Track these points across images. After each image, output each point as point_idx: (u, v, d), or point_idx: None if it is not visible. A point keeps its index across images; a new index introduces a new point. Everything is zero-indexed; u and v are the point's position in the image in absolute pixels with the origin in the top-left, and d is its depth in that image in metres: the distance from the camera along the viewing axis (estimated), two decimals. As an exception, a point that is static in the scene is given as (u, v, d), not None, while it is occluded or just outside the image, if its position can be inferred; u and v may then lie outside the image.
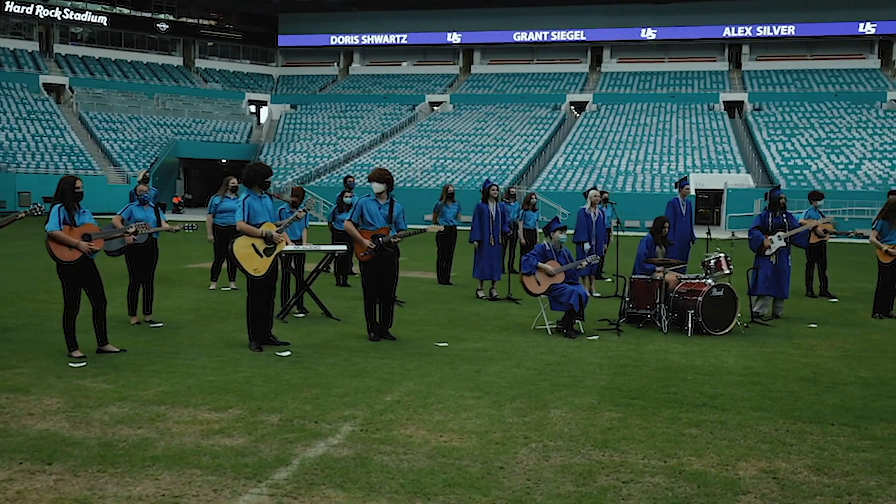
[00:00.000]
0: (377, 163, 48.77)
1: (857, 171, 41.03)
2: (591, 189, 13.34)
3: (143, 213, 9.41)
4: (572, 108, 60.05)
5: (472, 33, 67.04)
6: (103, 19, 67.04)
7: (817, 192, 13.91)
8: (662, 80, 61.46)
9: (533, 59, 67.52)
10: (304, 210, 8.56)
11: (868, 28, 58.59)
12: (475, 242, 12.65)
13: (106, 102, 58.55)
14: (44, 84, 59.12)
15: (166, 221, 9.66)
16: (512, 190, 16.52)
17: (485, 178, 43.21)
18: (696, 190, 40.06)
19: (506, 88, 63.40)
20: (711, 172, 42.32)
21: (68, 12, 65.32)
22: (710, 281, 9.83)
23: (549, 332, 9.52)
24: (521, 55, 67.77)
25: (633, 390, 6.76)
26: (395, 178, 42.83)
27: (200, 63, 70.33)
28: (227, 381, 6.71)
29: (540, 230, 15.11)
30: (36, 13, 63.85)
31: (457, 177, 44.46)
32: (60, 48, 65.40)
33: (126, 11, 68.36)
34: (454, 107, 61.53)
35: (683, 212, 13.83)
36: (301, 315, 10.46)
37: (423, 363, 7.65)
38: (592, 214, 13.30)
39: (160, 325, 9.42)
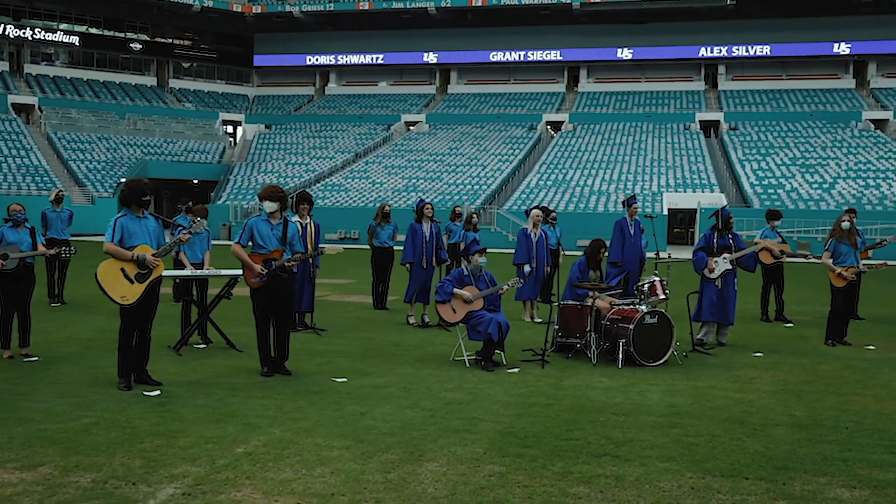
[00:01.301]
0: (348, 183, 48.00)
1: (830, 191, 40.55)
2: (534, 208, 12.54)
3: (16, 236, 8.53)
4: (548, 127, 59.55)
5: (449, 53, 66.56)
6: (75, 39, 66.18)
7: (775, 210, 13.19)
8: (639, 99, 61.09)
9: (510, 79, 67.08)
10: (188, 233, 7.68)
11: (843, 48, 58.46)
12: (407, 264, 11.85)
13: (75, 122, 57.58)
14: (13, 104, 58.11)
15: (43, 244, 8.79)
16: (458, 209, 15.71)
17: (451, 197, 42.49)
18: (669, 209, 39.44)
19: (482, 108, 62.88)
20: (685, 192, 41.72)
21: (40, 32, 64.37)
22: (643, 307, 9.03)
23: (467, 364, 8.68)
24: (497, 75, 67.33)
25: (531, 436, 5.93)
26: (368, 198, 42.48)
27: (175, 83, 69.49)
28: (60, 430, 5.82)
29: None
30: (6, 33, 62.96)
31: (428, 196, 43.67)
32: (31, 68, 64.49)
33: (99, 31, 67.56)
34: (430, 126, 60.90)
35: (632, 232, 13.07)
36: (203, 346, 9.58)
37: (306, 404, 6.79)
38: (534, 235, 12.50)
39: (35, 359, 8.52)
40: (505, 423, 6.31)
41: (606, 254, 10.04)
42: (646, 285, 9.33)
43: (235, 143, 63.08)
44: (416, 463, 5.26)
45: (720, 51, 61.13)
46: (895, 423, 6.58)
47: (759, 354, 9.75)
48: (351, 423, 6.19)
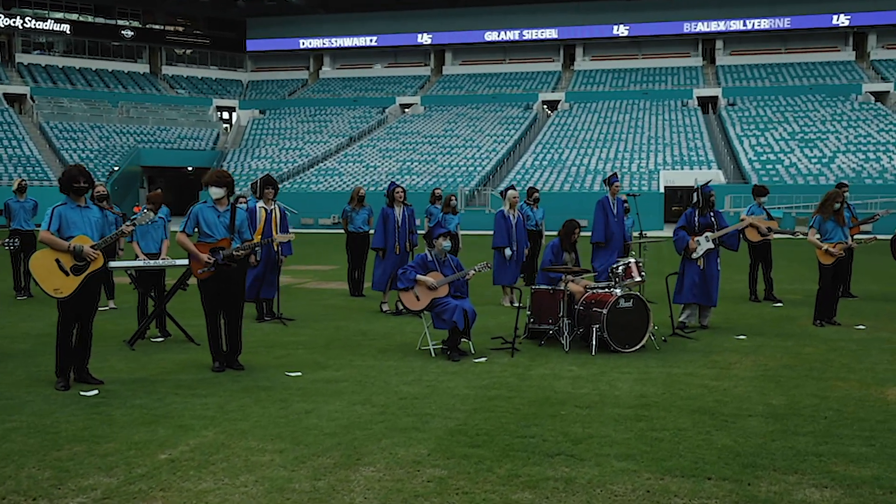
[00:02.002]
0: (342, 167, 47.52)
1: (830, 165, 40.00)
2: (510, 189, 12.08)
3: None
4: (545, 107, 58.94)
5: (443, 34, 65.88)
6: (66, 27, 65.57)
7: (761, 186, 12.72)
8: (636, 76, 60.41)
9: (505, 58, 66.38)
10: (131, 224, 7.24)
11: (842, 20, 57.68)
12: (379, 251, 11.42)
13: (67, 111, 57.09)
14: (4, 94, 57.65)
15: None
16: (438, 192, 15.16)
17: (445, 179, 42.00)
18: (665, 187, 38.93)
19: (477, 89, 62.24)
20: (682, 169, 41.20)
21: (30, 20, 63.76)
22: (617, 291, 8.60)
23: (433, 354, 8.27)
24: (493, 55, 66.64)
25: (483, 434, 5.51)
26: (361, 182, 41.90)
27: (168, 70, 68.91)
28: (-25, 437, 5.42)
29: (462, 234, 13.89)
30: (-4, 22, 62.47)
31: (422, 179, 43.23)
32: (23, 57, 63.92)
33: (90, 19, 66.90)
34: (425, 108, 60.31)
35: (615, 211, 12.62)
36: (160, 339, 9.17)
37: (251, 401, 6.38)
38: (511, 217, 12.05)
39: (-20, 357, 8.12)
40: (458, 419, 5.89)
41: (580, 235, 9.56)
42: (620, 267, 8.88)
43: (230, 130, 62.54)
44: (351, 468, 4.85)
45: (717, 25, 60.37)
46: (877, 410, 6.16)
47: (742, 337, 9.33)
48: (293, 423, 5.78)
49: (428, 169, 45.41)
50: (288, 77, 69.80)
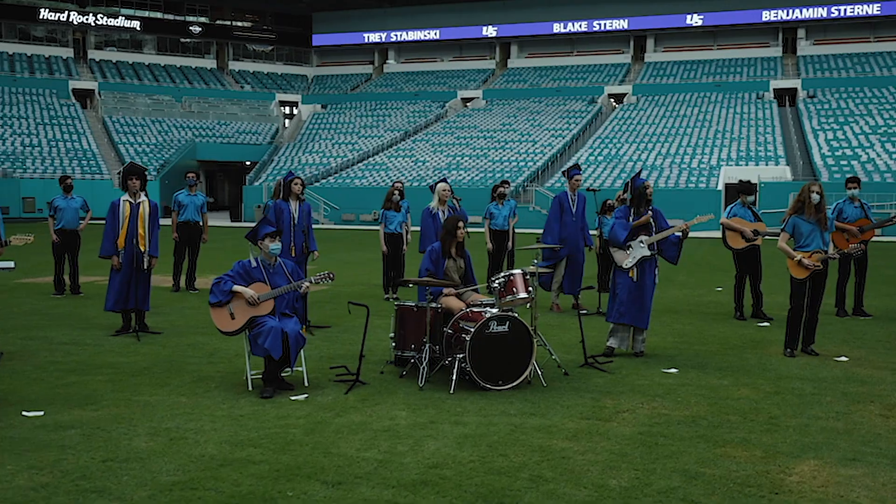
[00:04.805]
0: (391, 162, 46.16)
1: (913, 161, 36.39)
2: (440, 182, 10.23)
3: None
4: (611, 100, 56.30)
5: (509, 26, 63.85)
6: (136, 24, 66.31)
7: (747, 182, 10.59)
8: (709, 68, 57.05)
9: (572, 50, 63.84)
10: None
11: (940, 4, 53.07)
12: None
13: (131, 106, 57.55)
14: (74, 90, 58.49)
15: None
16: (501, 188, 12.99)
17: (492, 175, 40.09)
18: (726, 184, 36.09)
19: (541, 82, 59.95)
20: (747, 165, 38.18)
21: (102, 17, 64.74)
22: (492, 311, 6.73)
23: (250, 387, 6.57)
24: (560, 47, 64.18)
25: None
26: (407, 176, 40.30)
27: (234, 65, 69.01)
28: None
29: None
30: (70, 19, 63.61)
31: (469, 174, 41.46)
32: (95, 54, 64.90)
33: (159, 15, 67.53)
34: (486, 102, 58.44)
35: (574, 209, 10.71)
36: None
37: None
38: (441, 214, 10.25)
39: None
40: (153, 493, 4.20)
41: (466, 234, 7.73)
42: (498, 281, 6.97)
43: (286, 125, 62.05)
44: None
45: (800, 13, 56.42)
46: (756, 501, 4.18)
47: (672, 371, 7.30)
48: None
49: (477, 164, 43.58)
50: (353, 72, 68.94)
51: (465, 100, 60.16)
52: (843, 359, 7.84)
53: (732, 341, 8.81)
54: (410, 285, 7.60)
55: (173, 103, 59.70)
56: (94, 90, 59.69)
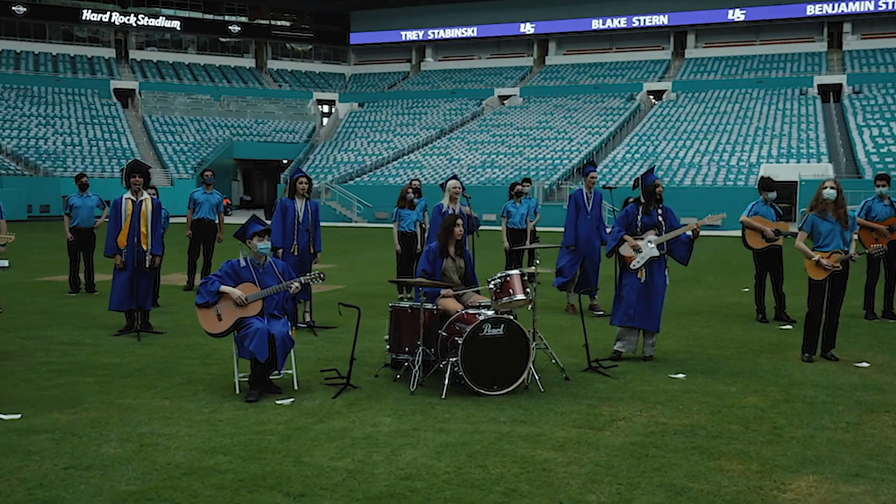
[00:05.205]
0: (426, 160, 45.99)
1: (962, 158, 35.22)
2: (451, 179, 9.97)
3: None
4: (650, 97, 55.48)
5: (547, 23, 63.30)
6: (177, 24, 67.03)
7: (767, 179, 10.20)
8: (751, 64, 55.92)
9: (611, 47, 63.08)
10: None
11: None
12: (276, 251, 9.60)
13: (170, 105, 58.19)
14: (115, 89, 59.31)
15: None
16: (519, 187, 12.67)
17: (526, 173, 39.66)
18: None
19: (580, 79, 59.31)
20: (787, 162, 37.29)
21: (143, 18, 65.59)
22: (487, 313, 6.48)
23: (237, 390, 6.41)
24: (598, 44, 63.46)
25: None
26: (440, 175, 40.08)
27: (273, 64, 69.44)
28: None
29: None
30: (112, 20, 64.54)
31: (503, 172, 41.12)
32: (136, 54, 65.75)
33: (199, 15, 68.21)
34: (523, 100, 57.99)
35: (590, 208, 10.41)
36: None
37: None
38: (451, 212, 9.99)
39: None
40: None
41: (462, 232, 7.47)
42: (495, 281, 6.71)
43: (323, 123, 62.23)
44: None
45: (845, 7, 55.04)
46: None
47: (678, 376, 6.98)
48: None
49: (512, 162, 43.23)
50: (390, 70, 68.94)
51: (503, 97, 59.76)
52: (864, 364, 7.44)
53: (750, 345, 8.44)
54: (405, 288, 7.37)
55: (212, 102, 60.23)
56: (134, 90, 60.41)
